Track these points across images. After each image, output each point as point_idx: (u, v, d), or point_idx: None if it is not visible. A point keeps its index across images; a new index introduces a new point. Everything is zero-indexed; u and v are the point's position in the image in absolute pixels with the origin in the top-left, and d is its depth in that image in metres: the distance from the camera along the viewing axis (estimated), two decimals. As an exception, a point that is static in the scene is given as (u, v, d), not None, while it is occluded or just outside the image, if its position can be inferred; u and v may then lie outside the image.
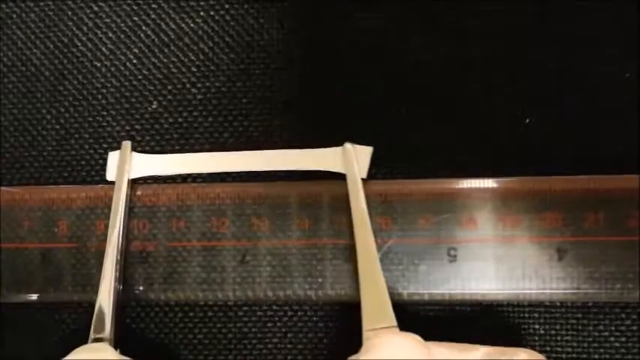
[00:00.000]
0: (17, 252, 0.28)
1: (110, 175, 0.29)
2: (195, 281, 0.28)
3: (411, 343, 0.25)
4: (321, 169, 0.28)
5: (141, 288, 0.28)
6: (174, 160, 0.29)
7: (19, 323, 0.29)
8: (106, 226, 0.28)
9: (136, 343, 0.27)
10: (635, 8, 0.28)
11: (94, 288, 0.28)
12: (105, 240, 0.28)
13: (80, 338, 0.26)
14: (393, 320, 0.26)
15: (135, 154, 0.29)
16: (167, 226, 0.28)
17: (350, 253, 0.27)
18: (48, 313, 0.29)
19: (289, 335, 0.28)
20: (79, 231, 0.28)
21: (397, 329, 0.25)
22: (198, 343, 0.28)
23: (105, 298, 0.27)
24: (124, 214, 0.28)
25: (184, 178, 0.29)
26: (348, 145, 0.28)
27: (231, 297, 0.28)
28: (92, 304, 0.28)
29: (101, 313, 0.27)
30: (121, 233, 0.28)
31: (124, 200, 0.28)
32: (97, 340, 0.26)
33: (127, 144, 0.29)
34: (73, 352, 0.26)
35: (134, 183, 0.29)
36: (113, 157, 0.29)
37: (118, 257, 0.27)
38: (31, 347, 0.29)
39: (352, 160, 0.28)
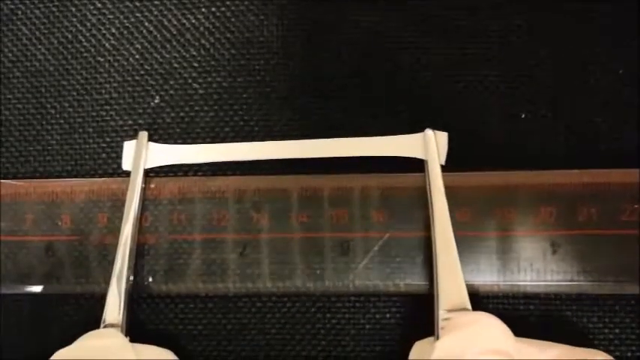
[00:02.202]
0: (21, 244, 0.28)
1: (126, 164, 0.29)
2: (196, 273, 0.28)
3: (497, 322, 0.25)
4: (402, 155, 0.28)
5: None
6: (197, 150, 0.29)
7: (22, 315, 0.29)
8: (109, 219, 0.28)
9: (137, 334, 0.27)
10: (630, 4, 0.29)
11: (96, 280, 0.28)
12: (107, 233, 0.28)
13: (82, 329, 0.26)
14: (468, 304, 0.26)
15: (151, 143, 0.29)
16: (168, 219, 0.28)
17: (348, 246, 0.27)
18: (51, 305, 0.29)
19: (288, 326, 0.28)
20: (82, 224, 0.28)
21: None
22: (198, 333, 0.29)
23: (117, 286, 0.27)
24: (139, 203, 0.28)
25: (186, 172, 0.29)
26: (429, 132, 0.28)
27: (231, 288, 0.28)
28: (94, 296, 0.28)
29: (113, 300, 0.27)
30: (135, 221, 0.28)
31: (140, 189, 0.28)
32: (108, 327, 0.27)
33: (143, 134, 0.29)
34: (84, 336, 0.26)
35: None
36: (129, 147, 0.29)
37: (132, 245, 0.28)
38: (34, 338, 0.29)
39: (433, 146, 0.28)
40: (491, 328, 0.25)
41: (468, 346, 0.24)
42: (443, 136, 0.28)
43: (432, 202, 0.27)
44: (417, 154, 0.28)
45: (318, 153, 0.28)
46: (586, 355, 0.25)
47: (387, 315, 0.28)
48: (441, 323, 0.25)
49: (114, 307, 0.27)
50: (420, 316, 0.28)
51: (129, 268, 0.27)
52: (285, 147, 0.28)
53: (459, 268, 0.26)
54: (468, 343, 0.24)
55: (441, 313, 0.25)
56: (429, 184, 0.27)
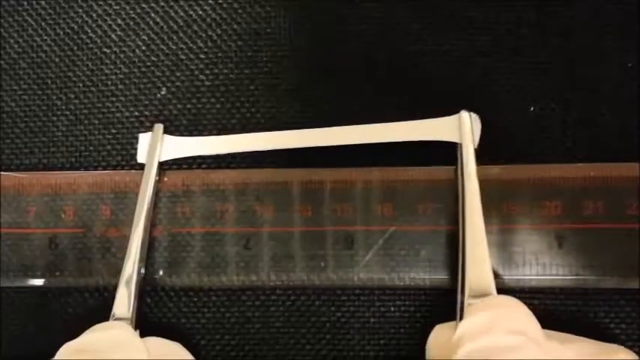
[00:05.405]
0: (24, 237, 0.28)
1: (141, 157, 0.29)
2: (199, 266, 0.28)
3: (524, 307, 0.25)
4: (435, 139, 0.27)
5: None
6: (213, 142, 0.29)
7: (25, 308, 0.29)
8: (112, 212, 0.28)
9: (140, 327, 0.27)
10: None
11: (100, 273, 0.28)
12: (111, 225, 0.28)
13: (85, 323, 0.26)
14: (494, 290, 0.25)
15: (166, 136, 0.29)
16: (171, 212, 0.28)
17: (352, 239, 0.27)
18: (53, 298, 0.29)
19: (292, 319, 0.28)
20: (85, 216, 0.28)
21: None
22: (201, 327, 0.28)
23: (128, 279, 0.27)
24: (153, 196, 0.28)
25: (190, 164, 0.29)
26: (464, 113, 0.27)
27: (234, 282, 0.28)
28: (97, 289, 0.28)
29: (123, 293, 0.27)
30: (148, 214, 0.28)
31: (154, 182, 0.28)
32: (118, 320, 0.26)
33: (159, 126, 0.29)
34: (92, 328, 0.26)
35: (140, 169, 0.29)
36: (144, 139, 0.29)
37: (144, 238, 0.27)
38: (36, 331, 0.29)
39: (468, 128, 0.27)
40: (519, 310, 0.24)
41: (494, 326, 0.24)
42: (476, 120, 0.27)
43: (463, 187, 0.26)
44: (451, 137, 0.27)
45: (349, 140, 0.27)
46: (608, 351, 0.25)
47: (392, 308, 0.28)
48: (465, 309, 0.25)
49: (123, 301, 0.27)
50: (425, 308, 0.28)
51: (140, 261, 0.27)
52: (313, 135, 0.28)
53: (487, 255, 0.26)
54: (495, 323, 0.24)
55: (466, 300, 0.25)
56: (461, 169, 0.27)
